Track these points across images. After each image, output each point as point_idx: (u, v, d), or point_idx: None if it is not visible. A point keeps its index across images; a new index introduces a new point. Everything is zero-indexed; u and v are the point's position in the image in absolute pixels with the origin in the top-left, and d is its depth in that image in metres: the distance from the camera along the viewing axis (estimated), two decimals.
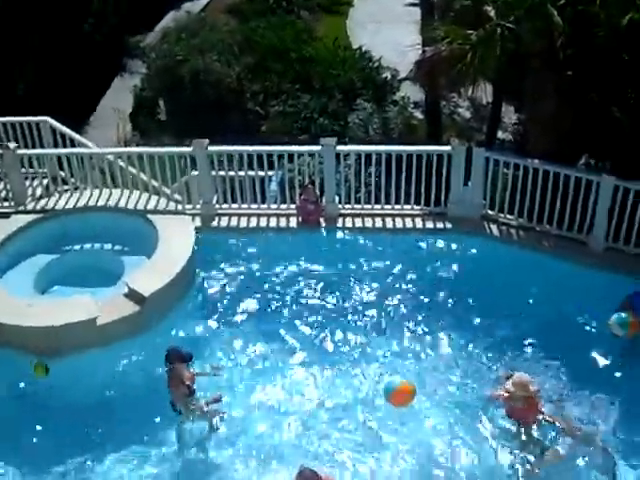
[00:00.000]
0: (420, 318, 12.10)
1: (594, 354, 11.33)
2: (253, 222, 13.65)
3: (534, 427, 10.17)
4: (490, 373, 11.18)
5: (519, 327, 11.79)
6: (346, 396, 10.92)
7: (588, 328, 11.74)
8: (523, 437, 10.16)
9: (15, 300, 11.57)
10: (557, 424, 10.16)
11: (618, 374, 11.07)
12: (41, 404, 10.75)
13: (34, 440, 10.39)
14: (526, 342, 11.60)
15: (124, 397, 10.83)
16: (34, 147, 14.50)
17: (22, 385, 11.02)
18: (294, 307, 12.34)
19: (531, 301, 12.18)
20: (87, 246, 13.10)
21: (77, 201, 13.66)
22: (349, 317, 12.21)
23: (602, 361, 11.27)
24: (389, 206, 13.79)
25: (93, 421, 10.55)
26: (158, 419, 10.61)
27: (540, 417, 10.16)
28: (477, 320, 11.98)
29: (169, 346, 10.40)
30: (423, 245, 13.26)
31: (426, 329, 11.90)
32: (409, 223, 13.53)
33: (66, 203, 13.65)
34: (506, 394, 10.18)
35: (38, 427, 10.51)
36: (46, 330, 11.10)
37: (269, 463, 10.06)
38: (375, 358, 11.50)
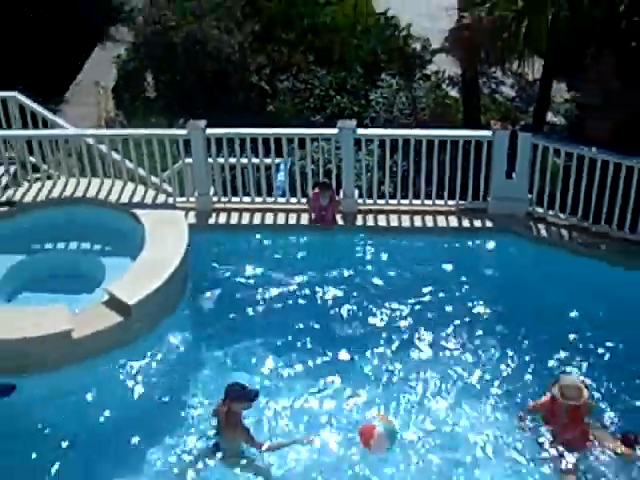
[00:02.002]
0: (450, 329, 12.13)
1: None
2: (257, 219, 13.67)
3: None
4: (527, 383, 11.30)
5: (566, 341, 11.80)
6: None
7: None
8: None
9: None
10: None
11: None
12: (6, 428, 10.69)
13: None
14: (571, 355, 11.61)
15: (101, 421, 10.85)
16: (0, 127, 14.56)
17: None
18: (302, 318, 12.33)
19: (583, 313, 12.19)
20: (61, 246, 13.12)
21: (50, 192, 13.71)
22: (366, 331, 12.20)
23: None
24: (418, 201, 13.79)
25: (64, 448, 10.53)
26: (139, 446, 10.61)
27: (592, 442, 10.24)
28: (517, 333, 11.99)
29: (230, 382, 10.34)
30: (458, 248, 13.29)
31: (457, 340, 11.97)
32: (442, 221, 13.54)
33: (37, 195, 13.69)
34: (548, 400, 10.37)
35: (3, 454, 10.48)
36: (11, 344, 11.13)
37: None
38: (400, 367, 11.58)
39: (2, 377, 10.96)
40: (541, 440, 10.41)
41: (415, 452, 10.38)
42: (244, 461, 10.23)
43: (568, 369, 11.25)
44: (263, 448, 10.20)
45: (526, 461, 10.28)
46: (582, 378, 10.82)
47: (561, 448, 10.20)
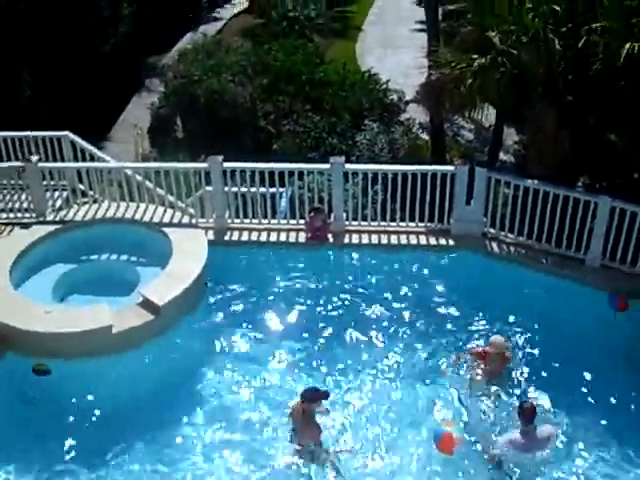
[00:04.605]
0: (418, 331, 12.09)
1: (585, 369, 11.32)
2: (263, 236, 13.58)
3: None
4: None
5: (515, 340, 11.79)
6: (347, 403, 10.87)
7: (581, 343, 11.66)
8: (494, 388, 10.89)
9: (34, 307, 11.53)
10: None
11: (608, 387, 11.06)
12: (53, 409, 10.66)
13: (44, 445, 10.24)
14: (521, 355, 11.61)
15: (132, 404, 10.74)
16: (55, 160, 14.52)
17: (34, 390, 10.91)
18: (300, 319, 12.31)
19: (527, 316, 12.16)
20: (104, 256, 13.05)
21: (95, 213, 13.64)
22: (352, 330, 12.13)
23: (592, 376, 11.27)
24: (394, 223, 13.74)
25: (102, 428, 10.47)
26: (166, 427, 10.58)
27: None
28: (473, 333, 11.98)
29: (306, 387, 10.21)
30: (426, 261, 13.20)
31: (424, 342, 11.88)
32: (413, 240, 13.46)
33: (85, 215, 13.63)
34: (485, 352, 11.09)
35: (48, 432, 10.37)
36: (62, 336, 11.07)
37: None
38: (376, 368, 11.48)
39: (54, 361, 10.94)
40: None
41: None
42: (317, 457, 9.92)
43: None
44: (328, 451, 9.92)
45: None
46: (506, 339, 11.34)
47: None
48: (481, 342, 11.66)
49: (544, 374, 11.27)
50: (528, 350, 11.66)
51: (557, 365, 11.38)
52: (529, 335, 11.86)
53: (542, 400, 10.72)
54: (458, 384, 11.11)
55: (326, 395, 10.10)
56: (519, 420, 9.97)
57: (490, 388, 10.94)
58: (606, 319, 11.74)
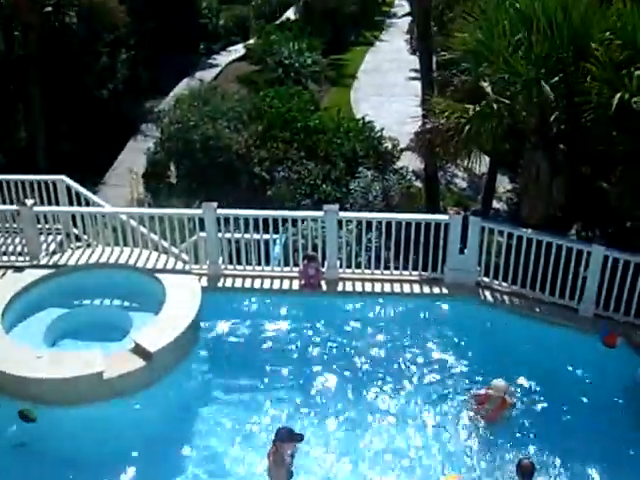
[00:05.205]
0: (411, 380, 12.02)
1: (578, 418, 11.27)
2: (257, 283, 13.57)
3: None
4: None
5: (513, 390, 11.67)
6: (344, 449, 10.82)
7: (575, 391, 11.67)
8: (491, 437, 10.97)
9: (24, 352, 11.45)
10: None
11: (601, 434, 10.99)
12: (40, 455, 10.52)
13: None
14: (518, 404, 11.50)
15: (123, 452, 10.61)
16: (50, 204, 14.54)
17: (22, 436, 10.79)
18: (292, 367, 12.22)
19: (522, 364, 12.10)
20: (97, 301, 13.02)
21: (89, 258, 13.64)
22: (345, 378, 12.07)
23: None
24: (388, 271, 13.75)
25: (89, 474, 10.32)
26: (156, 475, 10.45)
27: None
28: (467, 383, 11.92)
29: (281, 426, 10.05)
30: (419, 310, 13.17)
31: (417, 390, 11.83)
32: (407, 288, 13.45)
33: (78, 259, 13.62)
34: (487, 394, 11.13)
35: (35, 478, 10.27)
36: (53, 382, 10.98)
37: None
38: (370, 416, 11.40)
39: (43, 407, 10.84)
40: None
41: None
42: None
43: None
44: None
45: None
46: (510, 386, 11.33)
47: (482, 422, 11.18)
48: (476, 390, 11.59)
49: (541, 426, 11.18)
50: (525, 400, 11.58)
51: (554, 415, 11.32)
52: (524, 384, 11.80)
53: (539, 454, 10.64)
54: (457, 432, 11.09)
55: (300, 438, 9.95)
56: (517, 476, 9.86)
57: (488, 436, 10.92)
58: (599, 366, 11.77)
